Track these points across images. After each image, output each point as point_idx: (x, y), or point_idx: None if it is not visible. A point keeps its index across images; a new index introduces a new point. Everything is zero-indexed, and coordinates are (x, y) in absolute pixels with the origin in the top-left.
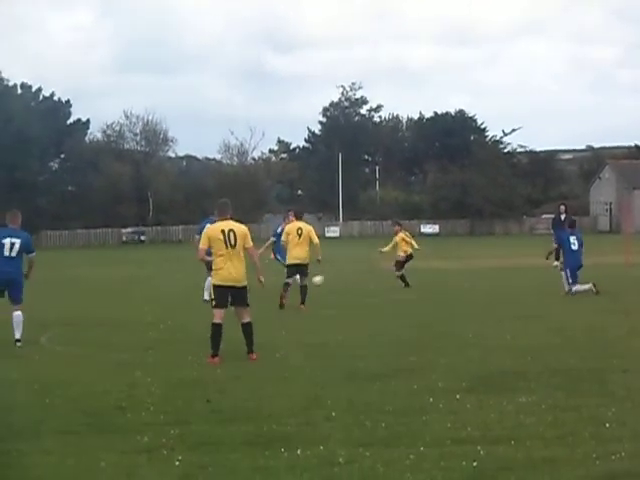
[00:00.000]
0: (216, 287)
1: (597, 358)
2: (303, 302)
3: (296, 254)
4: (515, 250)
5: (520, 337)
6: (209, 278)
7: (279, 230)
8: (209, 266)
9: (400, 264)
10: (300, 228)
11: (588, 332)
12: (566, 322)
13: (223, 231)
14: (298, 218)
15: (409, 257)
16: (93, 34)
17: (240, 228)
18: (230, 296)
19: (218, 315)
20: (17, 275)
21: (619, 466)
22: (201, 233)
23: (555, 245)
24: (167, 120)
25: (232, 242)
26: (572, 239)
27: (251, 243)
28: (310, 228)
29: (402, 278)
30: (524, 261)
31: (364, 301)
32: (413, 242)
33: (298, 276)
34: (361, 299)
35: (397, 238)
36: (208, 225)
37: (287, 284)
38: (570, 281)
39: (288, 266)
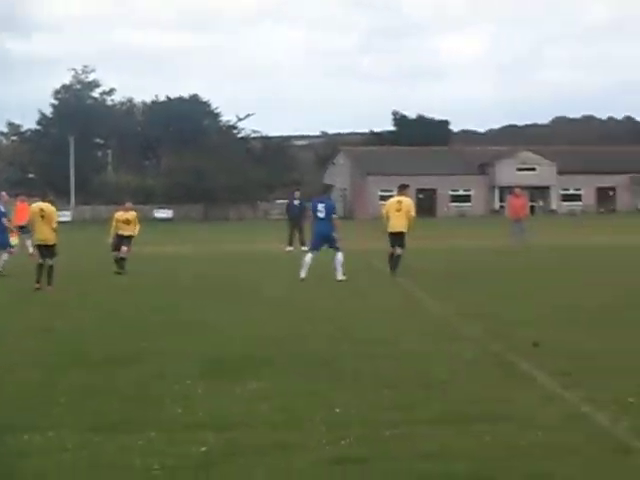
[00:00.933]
0: None
1: (331, 343)
2: (50, 283)
3: (41, 236)
4: (249, 236)
5: (254, 324)
6: None
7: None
8: None
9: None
10: (42, 209)
11: (329, 320)
12: (308, 308)
13: None
14: (43, 199)
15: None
16: None
17: None
18: None
19: None
20: None
21: (347, 451)
22: None
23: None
24: None
25: None
26: (320, 207)
27: None
28: (52, 210)
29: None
30: (259, 246)
31: (96, 286)
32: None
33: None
34: (94, 285)
35: (135, 215)
36: None
37: (40, 265)
38: (311, 247)
39: (37, 247)
